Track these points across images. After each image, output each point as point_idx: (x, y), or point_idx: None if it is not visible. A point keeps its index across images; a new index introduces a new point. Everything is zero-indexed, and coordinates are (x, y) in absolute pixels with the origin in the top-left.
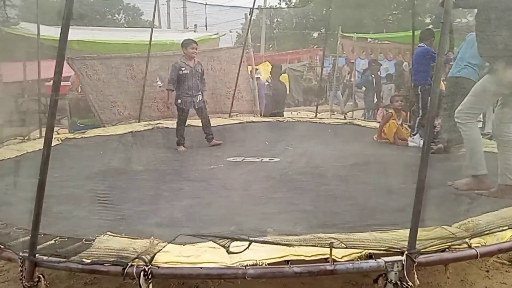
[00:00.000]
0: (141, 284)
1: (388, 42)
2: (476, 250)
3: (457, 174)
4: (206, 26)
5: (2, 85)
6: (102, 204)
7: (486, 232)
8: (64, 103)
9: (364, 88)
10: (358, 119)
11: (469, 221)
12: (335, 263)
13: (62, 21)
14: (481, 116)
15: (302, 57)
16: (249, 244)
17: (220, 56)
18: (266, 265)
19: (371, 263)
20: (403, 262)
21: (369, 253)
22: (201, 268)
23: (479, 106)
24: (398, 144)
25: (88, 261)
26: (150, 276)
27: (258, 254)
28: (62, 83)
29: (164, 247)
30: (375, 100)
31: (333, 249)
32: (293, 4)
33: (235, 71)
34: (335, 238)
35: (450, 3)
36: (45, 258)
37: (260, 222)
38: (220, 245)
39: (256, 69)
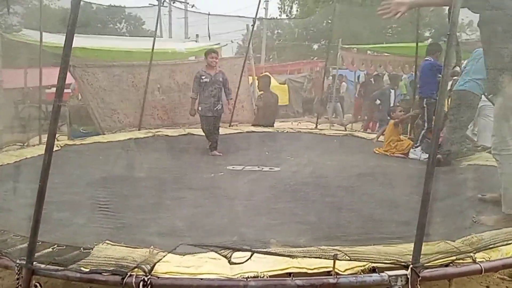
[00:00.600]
0: None
1: (387, 54)
2: (480, 265)
3: (458, 188)
4: (209, 36)
5: (3, 91)
6: (102, 211)
7: (490, 246)
8: (65, 110)
9: (378, 101)
10: (358, 131)
11: (472, 237)
12: (338, 276)
13: (68, 27)
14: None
15: (303, 68)
16: (251, 255)
17: (221, 66)
18: (267, 277)
19: (375, 276)
20: (408, 276)
21: (373, 266)
22: (201, 279)
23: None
24: (398, 156)
25: (87, 270)
26: (149, 287)
27: (260, 265)
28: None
29: (164, 256)
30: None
31: (336, 262)
32: (293, 15)
33: (236, 81)
34: (338, 250)
35: (457, 14)
36: (42, 266)
37: (262, 232)
38: (222, 255)
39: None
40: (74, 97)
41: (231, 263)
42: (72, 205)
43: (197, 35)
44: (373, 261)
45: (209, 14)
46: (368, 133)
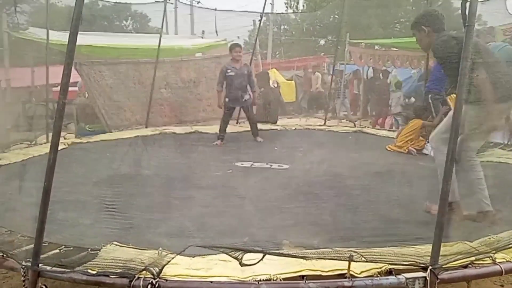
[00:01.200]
0: None
1: (396, 49)
2: (500, 266)
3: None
4: (216, 31)
5: (10, 90)
6: (109, 211)
7: (509, 246)
8: (71, 108)
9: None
10: (368, 127)
11: (490, 238)
12: (353, 279)
13: (72, 23)
14: None
15: (309, 64)
16: (263, 256)
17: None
18: (280, 280)
19: (391, 279)
20: (427, 278)
21: (389, 268)
22: (211, 282)
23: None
24: (410, 153)
25: (94, 272)
26: None
27: (272, 268)
28: (69, 88)
29: (172, 258)
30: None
31: (351, 265)
32: (300, 10)
33: None
34: (354, 252)
35: (475, 4)
36: (48, 268)
37: (274, 233)
38: (233, 257)
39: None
40: (81, 95)
41: (242, 265)
42: (79, 205)
43: (203, 31)
44: (390, 262)
45: (216, 10)
46: (377, 129)
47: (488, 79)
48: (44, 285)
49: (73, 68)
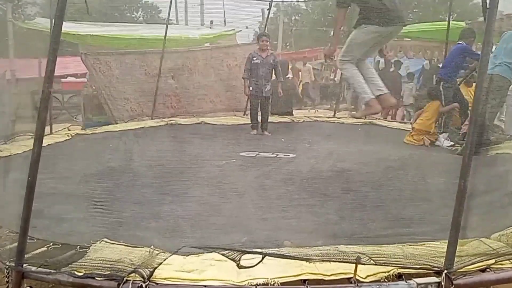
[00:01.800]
0: None
1: (408, 39)
2: None
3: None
4: (224, 21)
5: (16, 81)
6: (103, 206)
7: None
8: (79, 99)
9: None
10: (379, 119)
11: (510, 232)
12: (359, 284)
13: (57, 7)
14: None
15: (320, 55)
16: (263, 258)
17: (236, 52)
18: (278, 284)
19: (402, 285)
20: (441, 283)
21: (398, 272)
22: (204, 286)
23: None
24: (423, 144)
25: (80, 274)
26: None
27: (271, 270)
28: (78, 80)
29: (164, 260)
30: None
31: (358, 267)
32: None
33: None
34: (361, 253)
35: None
36: (33, 268)
37: (275, 232)
38: (230, 259)
39: None
40: (88, 86)
41: (240, 266)
42: (72, 198)
43: (211, 22)
44: (401, 266)
45: None
46: (389, 121)
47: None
48: (30, 286)
49: (79, 58)
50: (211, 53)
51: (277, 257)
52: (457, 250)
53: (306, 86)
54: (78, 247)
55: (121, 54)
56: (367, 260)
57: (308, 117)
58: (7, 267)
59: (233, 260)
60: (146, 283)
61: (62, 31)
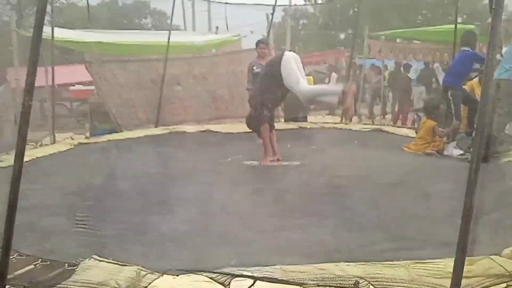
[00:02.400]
0: None
1: (417, 42)
2: None
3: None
4: (227, 26)
5: (21, 90)
6: (90, 222)
7: None
8: (86, 107)
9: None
10: (387, 125)
11: None
12: None
13: (36, 15)
14: None
15: (328, 58)
16: (254, 283)
17: (241, 58)
18: None
19: None
20: None
21: None
22: None
23: None
24: (430, 153)
25: None
26: None
27: None
28: (86, 88)
29: (151, 282)
30: None
31: None
32: (319, 3)
33: None
34: (360, 277)
35: None
36: None
37: (269, 253)
38: (219, 283)
39: None
40: (96, 94)
41: None
42: (63, 212)
43: (216, 27)
44: None
45: (226, 3)
46: (398, 127)
47: None
48: None
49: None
50: (215, 59)
51: (270, 282)
52: (465, 270)
53: None
54: (66, 264)
55: (125, 62)
56: (366, 285)
57: (315, 123)
58: None
59: (222, 284)
60: None
61: (70, 39)
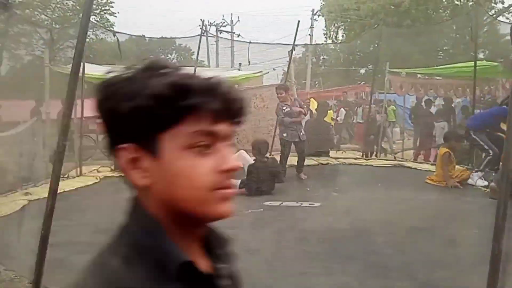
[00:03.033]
0: None
1: (438, 77)
2: None
3: None
4: (249, 62)
5: (50, 122)
6: None
7: None
8: None
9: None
10: (408, 160)
11: None
12: None
13: (73, 59)
14: None
15: (348, 93)
16: None
17: (263, 93)
18: None
19: None
20: None
21: None
22: None
23: None
24: (453, 187)
25: None
26: None
27: None
28: None
29: None
30: None
31: None
32: (339, 40)
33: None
34: None
35: None
36: None
37: None
38: None
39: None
40: None
41: None
42: (90, 248)
43: (239, 64)
44: None
45: (249, 42)
46: (419, 162)
47: None
48: None
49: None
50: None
51: None
52: None
53: (337, 126)
54: None
55: None
56: None
57: (336, 158)
58: None
59: None
60: None
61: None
